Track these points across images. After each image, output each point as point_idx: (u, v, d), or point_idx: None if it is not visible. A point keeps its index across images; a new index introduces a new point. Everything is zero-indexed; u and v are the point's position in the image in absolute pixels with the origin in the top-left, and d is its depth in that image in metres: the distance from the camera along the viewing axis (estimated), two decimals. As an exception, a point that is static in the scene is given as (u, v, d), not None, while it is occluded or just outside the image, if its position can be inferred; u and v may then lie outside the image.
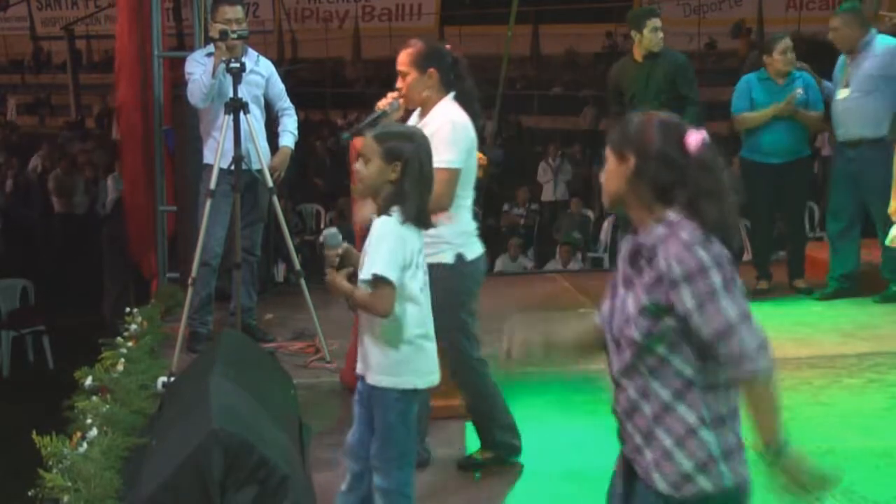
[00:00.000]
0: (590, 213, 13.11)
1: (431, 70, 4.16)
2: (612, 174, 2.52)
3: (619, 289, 2.55)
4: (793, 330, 6.30)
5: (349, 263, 3.43)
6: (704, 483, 2.43)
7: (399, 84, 4.23)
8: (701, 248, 2.38)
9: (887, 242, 6.04)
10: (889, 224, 6.46)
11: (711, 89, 12.78)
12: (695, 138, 2.46)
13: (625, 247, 2.56)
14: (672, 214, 2.45)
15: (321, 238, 3.49)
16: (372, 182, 3.35)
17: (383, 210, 3.35)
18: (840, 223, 6.86)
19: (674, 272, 2.38)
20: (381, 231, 3.32)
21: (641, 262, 2.47)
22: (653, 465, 2.47)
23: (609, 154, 2.53)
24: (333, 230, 3.48)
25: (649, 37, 6.68)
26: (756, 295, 7.05)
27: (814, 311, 6.69)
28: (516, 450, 4.45)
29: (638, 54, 6.76)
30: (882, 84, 6.55)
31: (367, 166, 3.35)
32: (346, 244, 3.46)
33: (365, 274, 3.31)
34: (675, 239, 2.40)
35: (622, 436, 2.58)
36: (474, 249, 4.22)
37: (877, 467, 4.37)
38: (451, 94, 4.18)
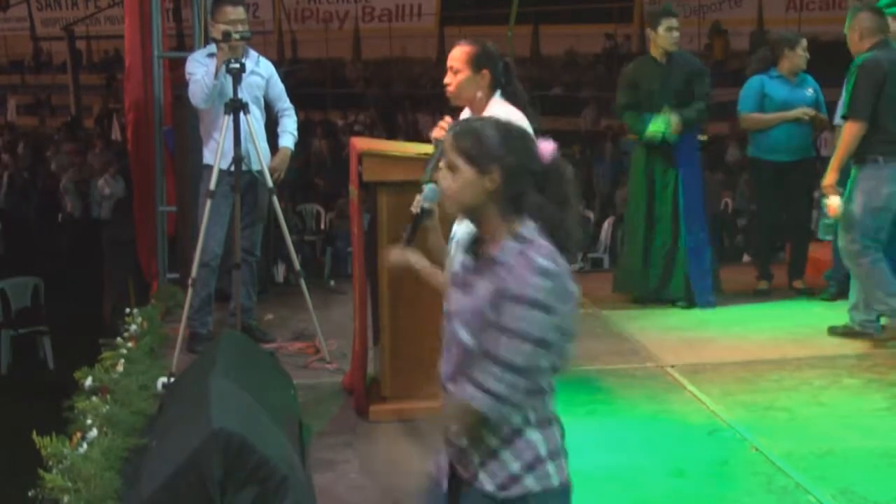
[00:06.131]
0: (590, 214, 13.09)
1: (486, 71, 4.18)
2: (468, 186, 2.47)
3: (455, 292, 2.54)
4: (793, 330, 6.30)
5: (431, 224, 3.45)
6: (531, 482, 2.46)
7: (448, 79, 4.25)
8: (546, 278, 2.36)
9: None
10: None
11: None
12: (547, 148, 2.49)
13: (472, 260, 2.53)
14: (526, 229, 2.44)
15: (423, 187, 3.49)
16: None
17: None
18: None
19: (510, 289, 2.36)
20: None
21: (490, 271, 2.44)
22: (479, 466, 2.49)
23: (462, 165, 2.47)
24: (436, 188, 3.44)
25: (664, 35, 6.70)
26: (756, 295, 7.07)
27: (814, 312, 6.67)
28: None
29: (656, 53, 6.78)
30: None
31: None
32: (436, 207, 3.48)
33: None
34: (526, 260, 2.38)
35: (448, 438, 2.56)
36: None
37: (877, 467, 4.36)
38: (499, 93, 4.19)
